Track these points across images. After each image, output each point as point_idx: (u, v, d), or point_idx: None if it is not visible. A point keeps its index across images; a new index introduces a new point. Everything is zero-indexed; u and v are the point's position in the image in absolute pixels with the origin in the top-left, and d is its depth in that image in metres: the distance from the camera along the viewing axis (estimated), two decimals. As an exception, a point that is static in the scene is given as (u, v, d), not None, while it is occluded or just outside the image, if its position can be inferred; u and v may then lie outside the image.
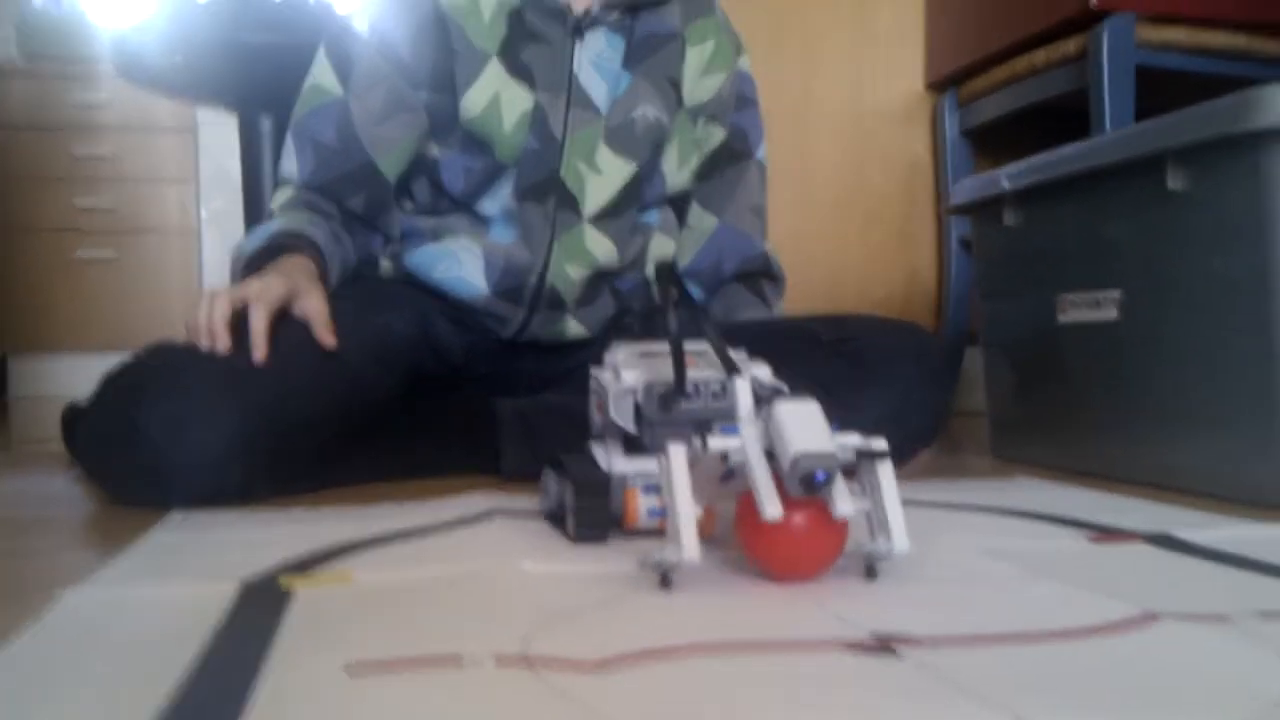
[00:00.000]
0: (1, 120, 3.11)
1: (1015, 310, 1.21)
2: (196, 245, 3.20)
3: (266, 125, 1.87)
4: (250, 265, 1.09)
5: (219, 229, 3.18)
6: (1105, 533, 0.77)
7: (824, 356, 1.09)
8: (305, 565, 0.68)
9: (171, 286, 3.16)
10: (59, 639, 0.52)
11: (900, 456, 1.11)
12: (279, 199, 1.21)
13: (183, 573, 0.67)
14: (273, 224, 1.14)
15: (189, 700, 0.43)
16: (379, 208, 1.23)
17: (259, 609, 0.57)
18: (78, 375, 3.03)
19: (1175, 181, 0.95)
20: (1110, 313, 1.04)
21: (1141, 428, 1.02)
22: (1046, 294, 1.14)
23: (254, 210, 1.88)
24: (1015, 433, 1.24)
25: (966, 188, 1.27)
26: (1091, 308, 1.07)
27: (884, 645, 0.49)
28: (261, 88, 1.80)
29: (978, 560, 0.68)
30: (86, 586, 0.63)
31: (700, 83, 1.28)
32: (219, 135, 3.16)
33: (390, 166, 1.20)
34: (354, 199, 1.20)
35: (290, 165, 1.21)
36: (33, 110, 3.12)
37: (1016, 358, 1.23)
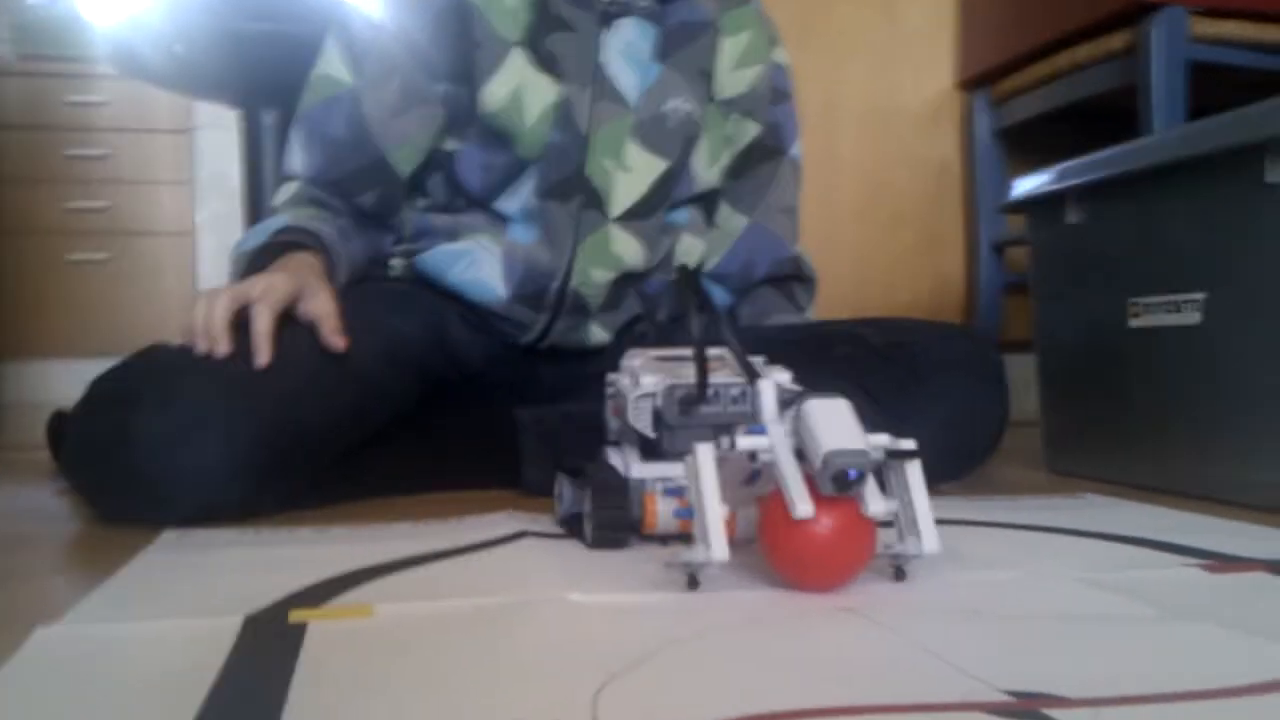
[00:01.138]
0: (-5, 120, 3.03)
1: (1077, 314, 1.13)
2: (192, 248, 3.12)
3: (270, 120, 1.79)
4: (252, 263, 1.01)
5: (215, 232, 3.11)
6: (1220, 561, 0.68)
7: (875, 362, 1.01)
8: (318, 595, 0.59)
9: (167, 290, 3.08)
10: (27, 687, 0.44)
11: (961, 468, 1.04)
12: (283, 195, 1.12)
13: (176, 605, 0.58)
14: (276, 220, 1.06)
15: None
16: (391, 206, 1.14)
17: (267, 651, 0.48)
18: (69, 381, 2.93)
19: (1275, 174, 0.87)
20: (1192, 316, 0.96)
21: (1230, 441, 0.94)
22: (1115, 297, 1.05)
23: (257, 209, 1.80)
24: (1073, 445, 1.15)
25: (1021, 185, 1.18)
26: (1169, 311, 0.98)
27: (1029, 707, 0.40)
28: (264, 80, 1.72)
29: (1090, 594, 0.59)
30: (64, 621, 0.54)
31: (734, 75, 1.20)
32: (216, 137, 3.09)
33: (404, 162, 1.12)
34: (364, 196, 1.12)
35: (296, 160, 1.12)
36: (26, 110, 3.04)
37: (1078, 365, 1.14)
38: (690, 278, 0.74)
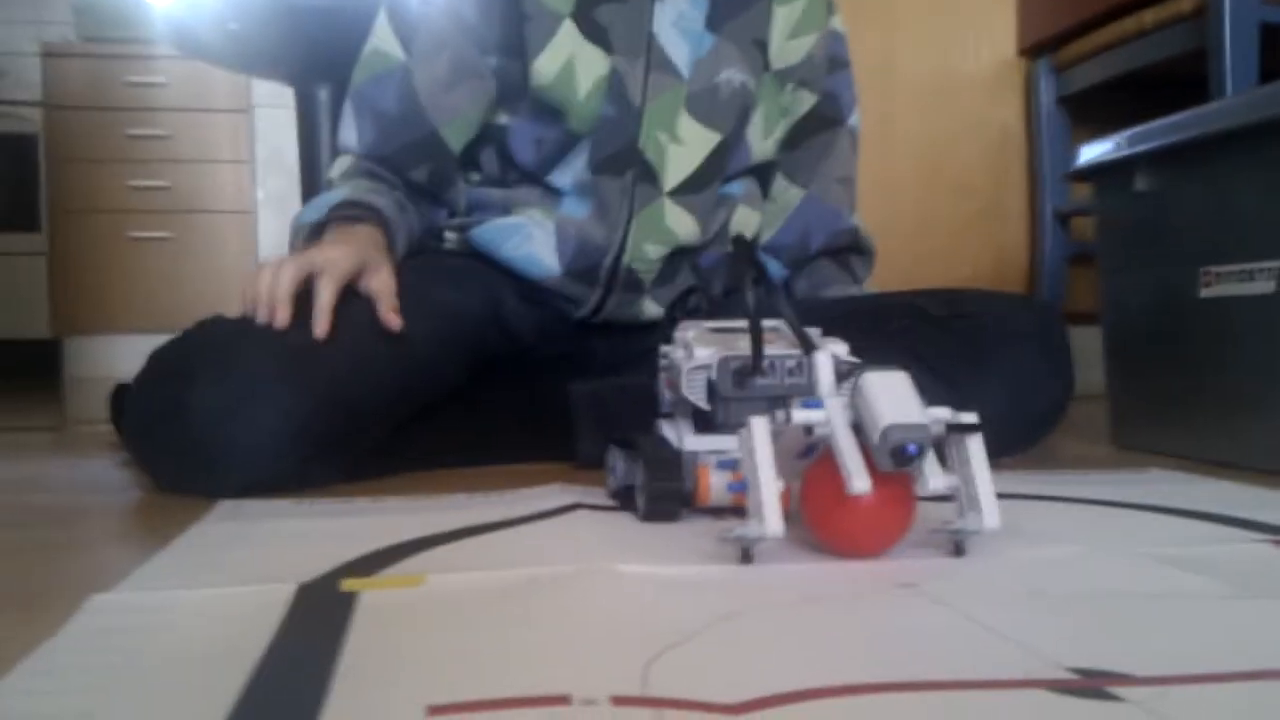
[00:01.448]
0: (58, 100, 3.08)
1: (1146, 284, 1.09)
2: (252, 226, 3.16)
3: (324, 96, 1.79)
4: (312, 237, 1.01)
5: (275, 210, 3.14)
6: (1294, 537, 0.66)
7: (935, 335, 0.99)
8: (370, 565, 0.59)
9: (227, 267, 3.13)
10: (82, 653, 0.44)
11: (1023, 442, 1.02)
12: (338, 169, 1.13)
13: (230, 573, 0.59)
14: (334, 193, 1.06)
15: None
16: (443, 180, 1.14)
17: (319, 619, 0.48)
18: (132, 356, 2.96)
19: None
20: (1266, 285, 0.93)
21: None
22: (1185, 266, 1.02)
23: (312, 185, 1.81)
24: (1141, 419, 1.12)
25: (1088, 152, 1.15)
26: (1243, 280, 0.95)
27: (1094, 685, 0.39)
28: (318, 56, 1.72)
29: (1158, 570, 0.58)
30: (118, 589, 0.54)
31: (789, 45, 1.18)
32: (275, 116, 3.12)
33: (455, 137, 1.11)
34: (417, 171, 1.11)
35: (349, 135, 1.12)
36: (89, 90, 3.09)
37: (1146, 337, 1.11)
38: (745, 249, 0.72)
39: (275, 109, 3.11)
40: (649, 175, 1.10)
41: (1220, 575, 0.56)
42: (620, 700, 0.37)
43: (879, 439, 0.56)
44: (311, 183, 1.80)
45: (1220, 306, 0.98)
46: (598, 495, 0.82)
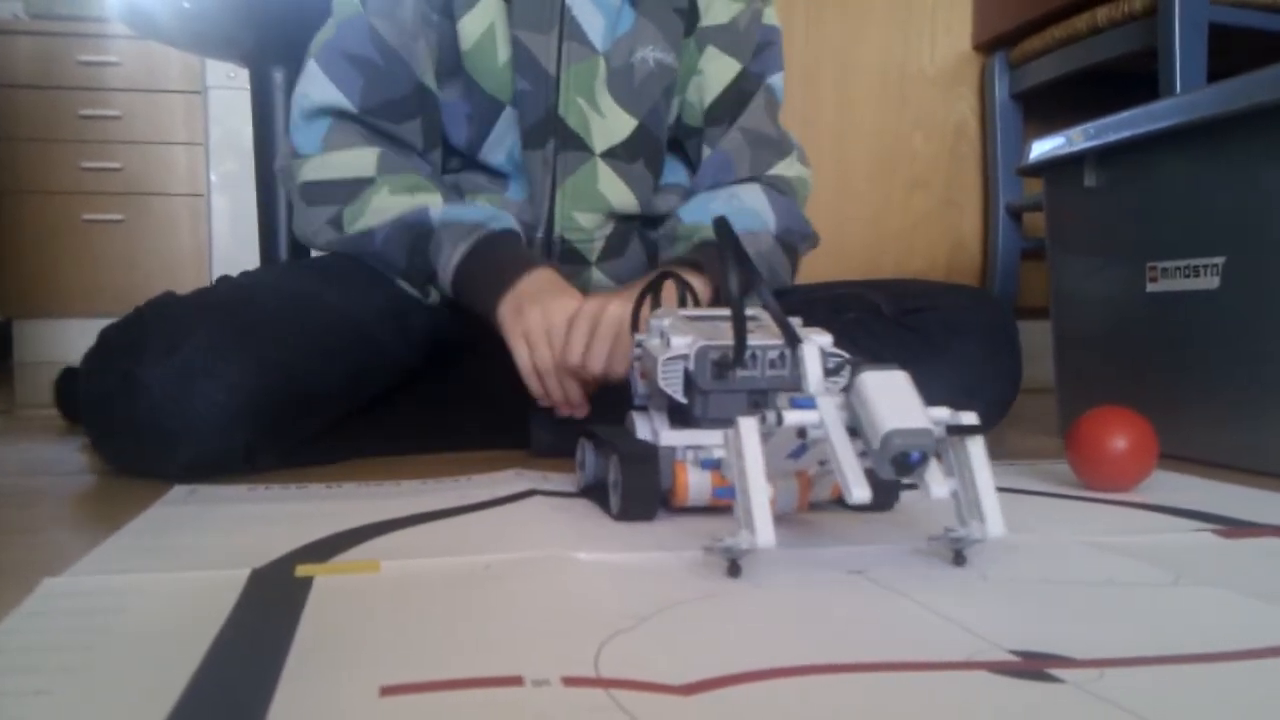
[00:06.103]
0: (7, 79, 3.02)
1: (1094, 279, 1.11)
2: (206, 209, 3.11)
3: (279, 78, 1.77)
4: (469, 274, 0.97)
5: (228, 193, 3.10)
6: (1233, 526, 0.67)
7: (883, 329, 1.00)
8: (325, 550, 0.59)
9: (180, 251, 3.08)
10: (34, 636, 0.44)
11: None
12: (320, 133, 1.03)
13: (183, 558, 0.58)
14: (453, 213, 1.00)
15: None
16: (433, 136, 1.08)
17: (272, 604, 0.48)
18: (83, 340, 2.91)
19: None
20: (1211, 281, 0.94)
21: (1246, 407, 0.93)
22: (1133, 261, 1.04)
23: (266, 170, 1.78)
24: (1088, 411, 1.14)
25: (1038, 147, 1.16)
26: (1188, 276, 0.97)
27: (1035, 667, 0.40)
28: (273, 37, 1.70)
29: (1101, 558, 0.59)
30: (71, 572, 0.54)
31: (715, 5, 1.12)
32: (229, 98, 3.07)
33: (433, 87, 1.06)
34: (410, 125, 1.04)
35: (325, 90, 1.02)
36: (39, 69, 3.03)
37: (1094, 330, 1.13)
38: (727, 230, 0.70)
39: (229, 91, 3.07)
40: (573, 141, 1.07)
41: (1161, 563, 0.57)
42: (571, 681, 0.38)
43: (880, 445, 0.51)
44: (266, 167, 1.78)
45: (1166, 301, 1.00)
46: (553, 482, 0.83)
